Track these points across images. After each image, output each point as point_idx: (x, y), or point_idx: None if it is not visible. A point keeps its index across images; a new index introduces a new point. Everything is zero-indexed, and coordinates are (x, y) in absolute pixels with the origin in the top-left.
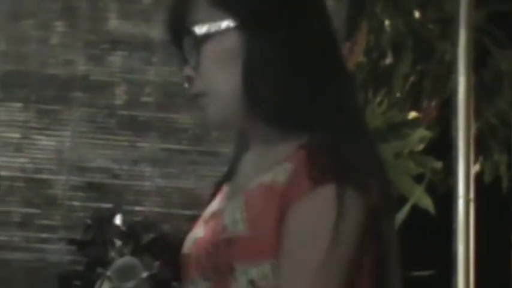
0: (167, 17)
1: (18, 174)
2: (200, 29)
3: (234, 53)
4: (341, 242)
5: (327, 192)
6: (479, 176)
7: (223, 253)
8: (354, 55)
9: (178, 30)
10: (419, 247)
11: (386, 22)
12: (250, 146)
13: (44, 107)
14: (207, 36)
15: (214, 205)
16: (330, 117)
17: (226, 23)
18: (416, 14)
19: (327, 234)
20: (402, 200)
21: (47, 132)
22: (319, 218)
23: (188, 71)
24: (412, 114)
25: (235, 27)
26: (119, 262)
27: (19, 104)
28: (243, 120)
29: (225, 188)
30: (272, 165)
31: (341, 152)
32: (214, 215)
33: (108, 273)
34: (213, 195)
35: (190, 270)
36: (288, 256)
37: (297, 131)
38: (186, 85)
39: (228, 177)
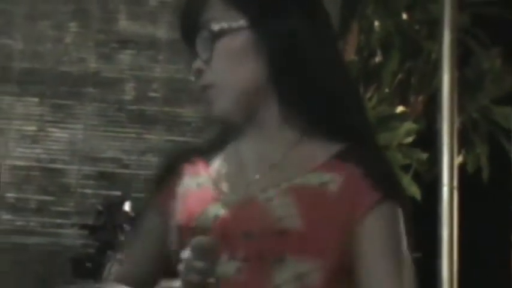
0: (181, 14)
1: (34, 164)
2: (215, 26)
3: (245, 50)
4: (402, 246)
5: (387, 208)
6: (462, 167)
7: (274, 242)
8: (346, 53)
9: (192, 26)
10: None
11: (376, 23)
12: (246, 136)
13: (58, 102)
14: (221, 33)
15: (209, 180)
16: (356, 119)
17: (239, 22)
18: (404, 16)
19: (394, 243)
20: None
21: (61, 125)
22: (387, 231)
23: (198, 64)
24: (400, 109)
25: (247, 26)
26: (199, 240)
27: (35, 99)
28: (257, 112)
29: (214, 165)
30: (308, 168)
31: (383, 167)
32: (248, 201)
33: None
34: (175, 166)
35: None
36: (369, 265)
37: (321, 132)
38: (194, 77)
39: (202, 152)
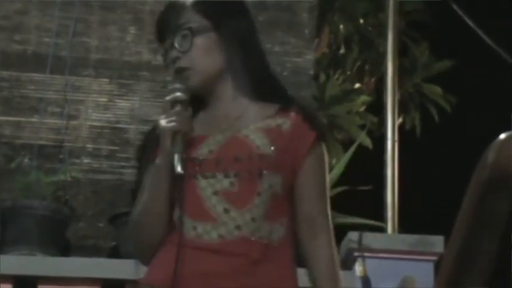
0: (160, 19)
1: (105, 124)
2: (192, 27)
3: (212, 45)
4: (327, 177)
5: (319, 149)
6: (401, 125)
7: (256, 162)
8: (321, 47)
9: (169, 27)
10: (362, 171)
11: (341, 26)
12: (210, 103)
13: (122, 81)
14: (196, 32)
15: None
16: (283, 88)
17: (206, 25)
18: (361, 21)
19: (325, 176)
20: (352, 141)
21: (124, 97)
22: (323, 168)
23: (175, 53)
24: (358, 85)
25: (211, 28)
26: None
27: (106, 80)
28: (217, 87)
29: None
30: (263, 117)
31: (316, 113)
32: (231, 138)
33: None
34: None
35: (206, 168)
36: (310, 186)
37: (263, 97)
38: (170, 63)
39: None
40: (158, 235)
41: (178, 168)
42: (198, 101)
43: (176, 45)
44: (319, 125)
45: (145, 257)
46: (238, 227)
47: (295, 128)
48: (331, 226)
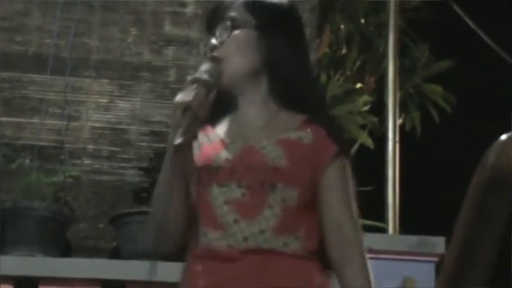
0: (213, 8)
1: (107, 125)
2: (234, 20)
3: (249, 42)
4: (353, 188)
5: (340, 162)
6: (402, 126)
7: (269, 174)
8: (322, 47)
9: (217, 18)
10: (363, 172)
11: (342, 26)
12: (241, 106)
13: (123, 82)
14: (237, 26)
15: (217, 136)
16: (317, 100)
17: (250, 21)
18: (362, 21)
19: (349, 184)
20: (353, 142)
21: (124, 98)
22: (345, 176)
23: (215, 42)
24: (359, 85)
25: (254, 26)
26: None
27: (107, 80)
28: (249, 88)
29: (217, 128)
30: (287, 128)
31: (339, 128)
32: (248, 148)
33: None
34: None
35: (222, 176)
36: (334, 193)
37: (294, 106)
38: (208, 50)
39: (209, 120)
40: (167, 208)
41: (177, 140)
42: (231, 103)
43: (217, 34)
44: (341, 140)
45: (157, 232)
46: (245, 239)
47: (316, 142)
48: (360, 233)
